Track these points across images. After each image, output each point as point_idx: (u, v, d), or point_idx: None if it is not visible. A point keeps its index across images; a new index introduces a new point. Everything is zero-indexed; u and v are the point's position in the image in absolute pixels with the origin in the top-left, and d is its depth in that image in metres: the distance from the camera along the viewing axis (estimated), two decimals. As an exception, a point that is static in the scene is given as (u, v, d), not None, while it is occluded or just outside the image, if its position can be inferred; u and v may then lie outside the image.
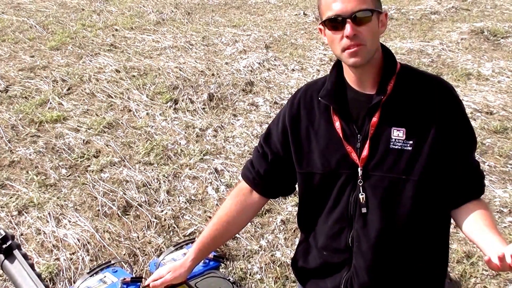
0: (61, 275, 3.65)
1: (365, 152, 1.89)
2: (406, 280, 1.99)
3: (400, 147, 1.85)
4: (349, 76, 1.94)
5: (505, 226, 4.15)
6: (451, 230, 2.09)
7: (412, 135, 1.85)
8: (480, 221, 1.87)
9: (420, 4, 9.88)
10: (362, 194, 1.90)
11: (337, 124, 1.94)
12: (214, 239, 2.25)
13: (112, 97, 5.99)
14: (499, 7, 9.80)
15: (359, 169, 1.90)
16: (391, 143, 1.86)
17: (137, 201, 4.31)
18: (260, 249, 3.94)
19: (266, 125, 5.35)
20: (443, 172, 1.87)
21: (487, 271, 3.73)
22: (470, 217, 1.89)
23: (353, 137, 1.92)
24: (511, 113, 5.88)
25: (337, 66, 2.00)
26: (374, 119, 1.88)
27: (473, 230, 1.87)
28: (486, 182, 3.94)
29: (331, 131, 1.95)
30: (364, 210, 1.91)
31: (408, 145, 1.85)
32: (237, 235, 4.00)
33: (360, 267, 1.96)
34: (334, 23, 1.81)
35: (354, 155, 1.91)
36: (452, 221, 2.02)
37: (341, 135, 1.93)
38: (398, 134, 1.86)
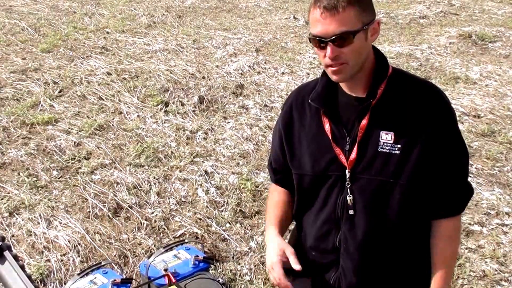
0: (51, 276, 3.65)
1: (353, 155, 1.90)
2: (393, 281, 2.01)
3: (388, 151, 1.87)
4: None
5: (492, 228, 4.19)
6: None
7: (400, 139, 1.86)
8: (436, 259, 1.99)
9: (409, 9, 9.93)
10: (349, 196, 1.92)
11: (327, 127, 1.96)
12: (285, 214, 2.18)
13: (103, 100, 6.01)
14: (487, 11, 9.87)
15: (347, 171, 1.92)
16: (379, 147, 1.88)
17: (127, 203, 4.32)
18: (249, 250, 3.96)
19: (256, 128, 5.46)
20: (430, 177, 1.89)
21: (474, 272, 3.76)
22: (434, 246, 2.00)
23: (342, 140, 1.93)
24: (499, 117, 5.93)
25: None
26: (364, 122, 1.89)
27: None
28: (474, 184, 3.98)
29: (321, 133, 1.97)
30: (351, 212, 1.93)
31: (396, 149, 1.86)
32: (226, 237, 4.03)
33: (348, 268, 1.98)
34: (317, 43, 1.82)
35: (342, 157, 1.92)
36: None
37: (330, 137, 1.95)
38: (386, 137, 1.87)
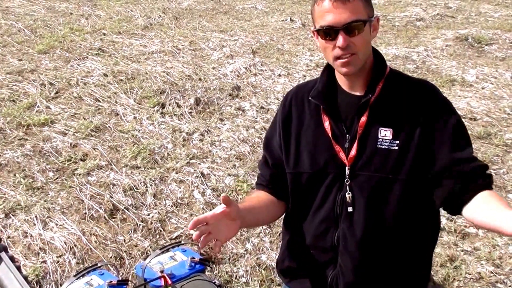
0: (47, 277, 3.65)
1: (353, 152, 1.91)
2: (391, 280, 2.01)
3: (387, 147, 1.88)
4: (340, 78, 1.98)
5: (488, 231, 4.20)
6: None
7: (398, 135, 1.88)
8: (490, 203, 1.74)
9: (405, 11, 9.96)
10: (348, 193, 1.92)
11: (327, 124, 1.97)
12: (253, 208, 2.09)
13: (99, 101, 6.00)
14: (484, 14, 9.90)
15: (346, 168, 1.92)
16: (378, 143, 1.89)
17: (123, 205, 4.32)
18: (245, 252, 3.97)
19: (253, 130, 5.45)
20: (433, 171, 1.87)
21: (470, 274, 3.77)
22: (479, 203, 1.77)
23: (342, 137, 1.95)
24: (495, 119, 5.95)
25: (328, 68, 2.03)
26: (363, 119, 1.91)
27: (485, 214, 1.72)
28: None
29: (321, 130, 1.99)
30: (350, 209, 1.92)
31: (395, 145, 1.87)
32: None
33: (346, 266, 1.98)
34: (327, 33, 1.84)
35: (342, 155, 1.93)
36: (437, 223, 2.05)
37: (330, 134, 1.96)
38: (385, 134, 1.89)
